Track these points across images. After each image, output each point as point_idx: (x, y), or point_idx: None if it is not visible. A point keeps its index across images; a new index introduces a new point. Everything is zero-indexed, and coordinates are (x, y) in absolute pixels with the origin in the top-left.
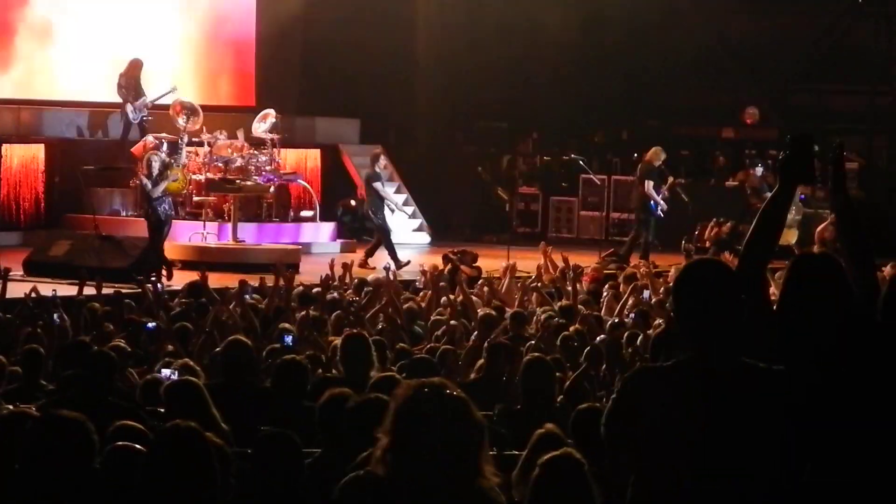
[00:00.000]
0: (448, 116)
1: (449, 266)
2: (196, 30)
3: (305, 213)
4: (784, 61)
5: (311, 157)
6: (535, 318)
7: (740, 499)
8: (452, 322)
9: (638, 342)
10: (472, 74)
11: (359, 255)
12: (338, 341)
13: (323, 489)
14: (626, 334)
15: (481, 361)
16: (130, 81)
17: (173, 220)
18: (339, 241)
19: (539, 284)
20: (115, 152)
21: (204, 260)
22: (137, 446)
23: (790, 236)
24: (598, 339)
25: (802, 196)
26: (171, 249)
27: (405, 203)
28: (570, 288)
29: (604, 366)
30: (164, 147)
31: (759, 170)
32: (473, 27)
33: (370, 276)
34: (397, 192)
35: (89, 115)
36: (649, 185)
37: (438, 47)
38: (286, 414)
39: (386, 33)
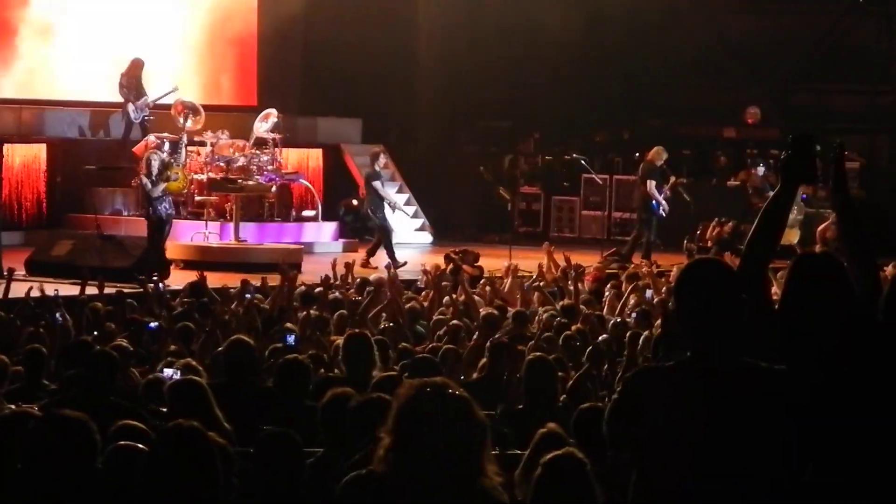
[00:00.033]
0: (449, 116)
1: (451, 266)
2: (198, 29)
3: (307, 213)
4: (785, 61)
5: (313, 157)
6: (536, 317)
7: (742, 499)
8: (454, 322)
9: (640, 342)
10: (474, 74)
11: (360, 254)
12: (340, 341)
13: (325, 488)
14: (628, 334)
15: (483, 361)
16: (132, 81)
17: (176, 220)
18: (341, 240)
19: (542, 283)
20: (116, 152)
21: (206, 259)
22: (139, 446)
23: (792, 236)
24: (600, 338)
25: (804, 196)
26: (173, 249)
27: (407, 203)
28: (571, 287)
29: (606, 366)
30: (166, 147)
31: (761, 169)
32: (474, 27)
33: (372, 276)
34: (399, 191)
35: (91, 115)
36: (651, 184)
37: (440, 47)
38: (288, 413)
39: (387, 33)
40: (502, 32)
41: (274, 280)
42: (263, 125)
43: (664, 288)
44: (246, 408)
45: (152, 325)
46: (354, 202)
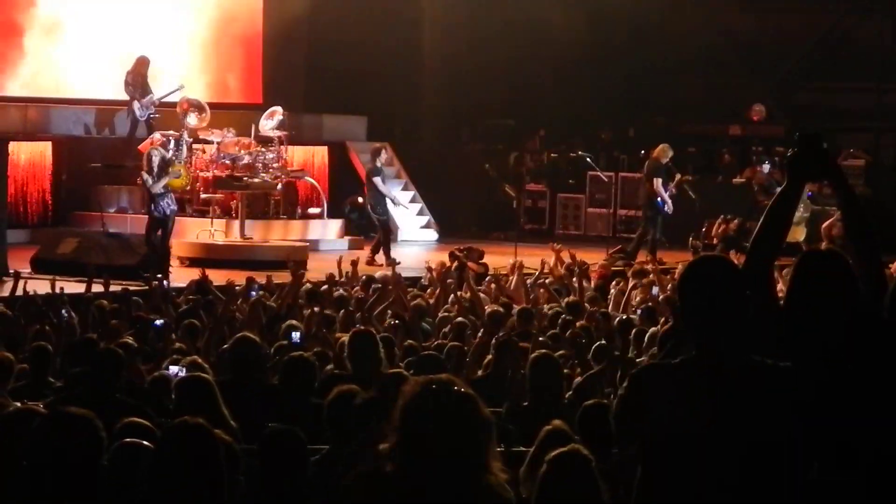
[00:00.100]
0: (454, 114)
1: (456, 263)
2: (204, 27)
3: (313, 211)
4: (789, 59)
5: (319, 155)
6: (541, 314)
7: (747, 496)
8: (460, 319)
9: (645, 339)
10: (478, 72)
11: (366, 252)
12: (345, 338)
13: (330, 485)
14: (633, 331)
15: (489, 358)
16: (137, 79)
17: (181, 217)
18: (346, 238)
19: (547, 280)
20: (122, 150)
21: (211, 257)
22: (145, 443)
23: (798, 233)
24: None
25: (810, 193)
26: (178, 246)
27: (412, 200)
28: (576, 284)
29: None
30: (172, 144)
31: (767, 167)
32: (478, 24)
33: (378, 273)
34: (404, 189)
35: (96, 113)
36: (658, 182)
37: (444, 45)
38: (294, 411)
39: (392, 31)
40: (506, 30)
41: (279, 277)
42: (269, 123)
43: (669, 285)
44: (251, 405)
45: (158, 322)
46: (360, 200)
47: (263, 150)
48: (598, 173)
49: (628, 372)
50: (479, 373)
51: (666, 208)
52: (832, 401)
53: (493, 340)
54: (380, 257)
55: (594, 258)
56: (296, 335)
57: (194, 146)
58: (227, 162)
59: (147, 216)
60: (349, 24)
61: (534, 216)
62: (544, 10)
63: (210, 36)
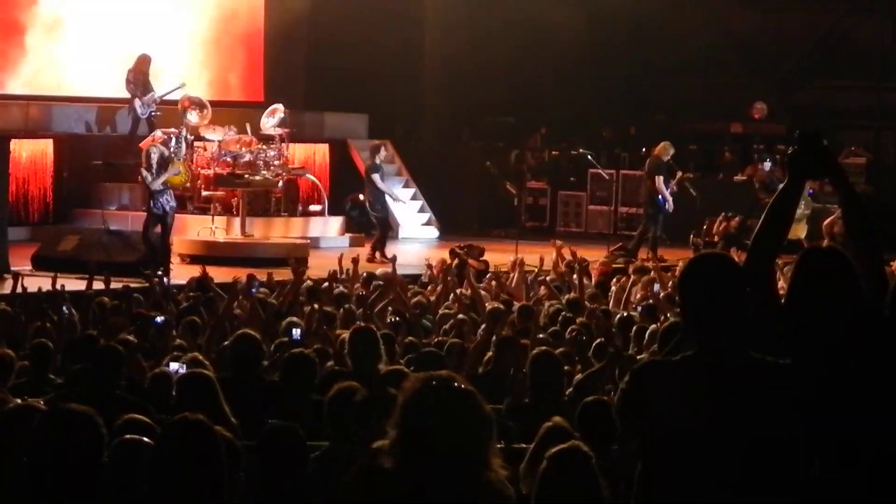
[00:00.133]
0: (455, 112)
1: (456, 260)
2: (205, 25)
3: (314, 208)
4: (790, 57)
5: (320, 152)
6: (542, 311)
7: (747, 494)
8: (461, 316)
9: (646, 336)
10: (479, 70)
11: (367, 249)
12: (346, 335)
13: (331, 482)
14: (634, 328)
15: (489, 355)
16: (139, 77)
17: (183, 215)
18: (347, 235)
19: (549, 277)
20: (123, 148)
21: (212, 254)
22: (145, 440)
23: (800, 230)
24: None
25: (811, 191)
26: (179, 244)
27: (413, 198)
28: (577, 281)
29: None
30: (172, 142)
31: (768, 164)
32: (479, 22)
33: (379, 270)
34: (405, 186)
35: (98, 111)
36: (660, 180)
37: (445, 43)
38: (294, 407)
39: (393, 29)
40: (507, 29)
41: (280, 275)
42: (270, 121)
43: (670, 282)
44: (252, 402)
45: (158, 319)
46: (361, 197)
47: (265, 147)
48: (599, 171)
49: (628, 369)
50: (480, 370)
51: (667, 206)
52: (833, 398)
53: (494, 338)
54: (381, 254)
55: (595, 255)
56: (296, 332)
57: (195, 144)
58: (229, 159)
59: (146, 213)
60: (350, 22)
61: (535, 214)
62: (545, 9)
63: (211, 34)
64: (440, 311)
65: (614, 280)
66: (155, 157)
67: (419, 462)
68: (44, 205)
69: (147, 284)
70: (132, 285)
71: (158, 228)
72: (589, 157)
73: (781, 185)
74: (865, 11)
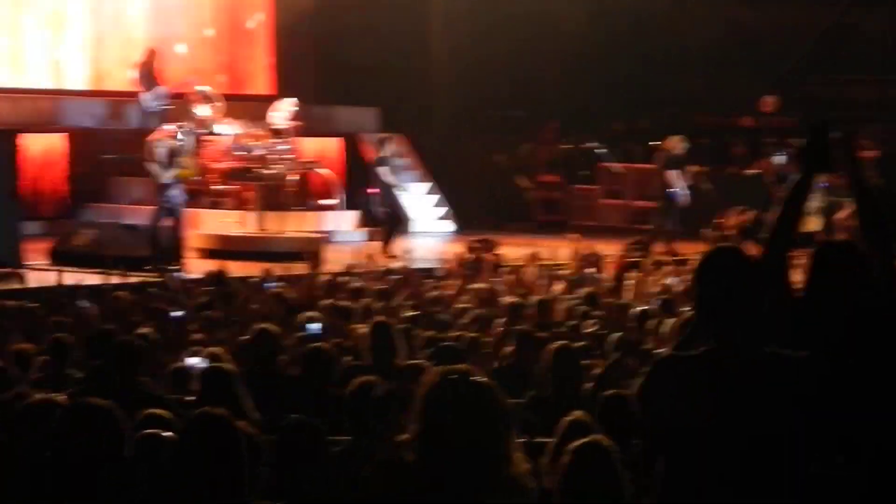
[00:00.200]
0: (466, 105)
1: (472, 255)
2: (214, 19)
3: (328, 202)
4: (801, 50)
5: (332, 146)
6: (559, 305)
7: (766, 488)
8: (478, 310)
9: (663, 330)
10: (489, 63)
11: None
12: (364, 329)
13: (351, 477)
14: (651, 322)
15: (509, 349)
16: (148, 70)
17: (197, 209)
18: (362, 229)
19: (567, 272)
20: (134, 141)
21: (227, 248)
22: (166, 434)
23: (814, 223)
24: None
25: (825, 184)
26: (194, 238)
27: (428, 192)
28: (594, 275)
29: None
30: (180, 135)
31: (780, 157)
32: (488, 15)
33: (395, 264)
34: (419, 181)
35: (108, 105)
36: (672, 173)
37: (454, 36)
38: (313, 402)
39: (401, 22)
40: (517, 21)
41: (297, 269)
42: (278, 114)
43: (686, 276)
44: (270, 396)
45: (176, 313)
46: (368, 191)
47: (277, 141)
48: (611, 165)
49: (646, 362)
50: (499, 364)
51: (681, 199)
52: (847, 392)
53: (513, 331)
54: (396, 248)
55: (610, 249)
56: (315, 326)
57: (206, 137)
58: (241, 153)
59: (157, 207)
60: (359, 15)
61: (549, 208)
62: (553, 2)
63: (221, 27)
64: (457, 306)
65: (631, 274)
66: (162, 152)
67: (438, 456)
68: (57, 199)
69: (162, 279)
70: (149, 279)
71: (169, 222)
72: (601, 150)
73: (794, 178)
74: (873, 1)
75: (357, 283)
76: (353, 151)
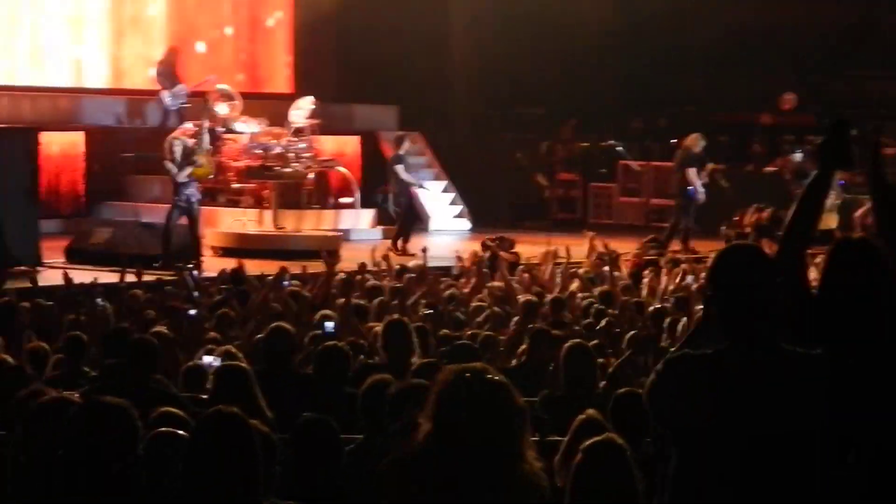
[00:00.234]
0: (485, 103)
1: (488, 252)
2: (235, 17)
3: (345, 200)
4: (820, 47)
5: (351, 144)
6: (575, 303)
7: (781, 486)
8: (494, 308)
9: (678, 328)
10: (508, 60)
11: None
12: (379, 328)
13: (365, 475)
14: (667, 320)
15: (523, 347)
16: (169, 69)
17: (214, 207)
18: (379, 227)
19: (581, 269)
20: (153, 140)
21: (244, 247)
22: (180, 432)
23: (831, 221)
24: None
25: (842, 181)
26: (211, 236)
27: (444, 190)
28: (609, 273)
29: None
30: (198, 133)
31: (798, 155)
32: (507, 13)
33: (411, 263)
34: (436, 178)
35: (127, 103)
36: (691, 171)
37: (474, 33)
38: (328, 400)
39: (421, 20)
40: (537, 18)
41: (313, 267)
42: (297, 113)
43: (702, 274)
44: (285, 395)
45: (192, 312)
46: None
47: (295, 139)
48: (630, 163)
49: (661, 361)
50: (513, 362)
51: (698, 197)
52: (864, 390)
53: (528, 329)
54: (412, 246)
55: (627, 247)
56: (329, 325)
57: (225, 136)
58: (259, 151)
59: (172, 206)
60: (379, 13)
61: (566, 206)
62: (573, 1)
63: (241, 25)
64: (473, 304)
65: (647, 272)
66: (178, 150)
67: (452, 454)
68: (75, 197)
69: (178, 277)
70: (165, 278)
71: (185, 220)
72: (619, 148)
73: (811, 175)
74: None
75: (372, 282)
76: (373, 149)
